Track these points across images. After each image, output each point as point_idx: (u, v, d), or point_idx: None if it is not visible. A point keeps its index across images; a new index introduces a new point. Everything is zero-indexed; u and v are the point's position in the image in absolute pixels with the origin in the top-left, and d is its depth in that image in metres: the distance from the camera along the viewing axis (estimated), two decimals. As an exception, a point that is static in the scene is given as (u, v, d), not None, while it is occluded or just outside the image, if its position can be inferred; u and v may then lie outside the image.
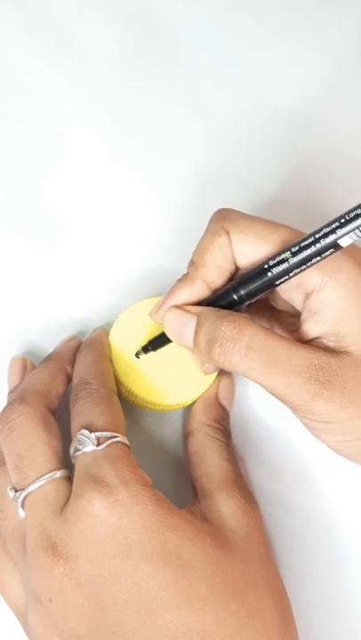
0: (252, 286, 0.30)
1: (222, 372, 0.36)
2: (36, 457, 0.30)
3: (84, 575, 0.27)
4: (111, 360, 0.35)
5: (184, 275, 0.32)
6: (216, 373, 0.35)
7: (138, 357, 0.35)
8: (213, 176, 0.43)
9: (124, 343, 0.35)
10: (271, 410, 0.38)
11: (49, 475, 0.30)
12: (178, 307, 0.32)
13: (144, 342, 0.35)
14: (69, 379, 0.35)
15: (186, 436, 0.36)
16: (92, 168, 0.42)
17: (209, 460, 0.34)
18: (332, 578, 0.35)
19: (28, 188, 0.41)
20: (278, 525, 0.35)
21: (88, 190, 0.42)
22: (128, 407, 0.36)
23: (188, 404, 0.36)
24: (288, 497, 0.36)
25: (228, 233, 0.31)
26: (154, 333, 0.35)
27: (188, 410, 0.37)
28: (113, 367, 0.35)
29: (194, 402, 0.36)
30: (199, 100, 0.44)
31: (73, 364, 0.35)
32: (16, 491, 0.30)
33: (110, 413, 0.31)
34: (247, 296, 0.30)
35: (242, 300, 0.31)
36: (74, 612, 0.28)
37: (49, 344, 0.38)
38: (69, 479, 0.30)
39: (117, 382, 0.35)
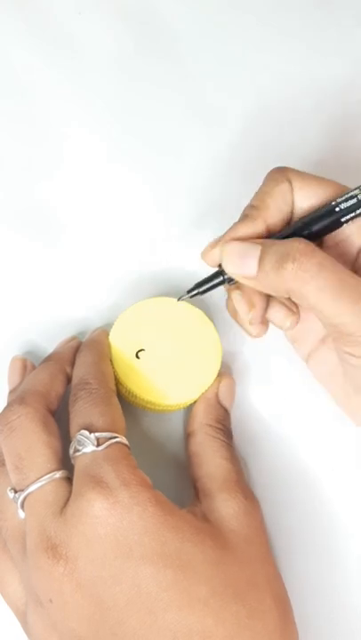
0: (323, 222, 0.31)
1: (223, 373, 0.36)
2: (35, 458, 0.30)
3: (84, 576, 0.27)
4: (111, 360, 0.35)
5: (243, 216, 0.33)
6: (217, 370, 0.35)
7: (180, 300, 0.35)
8: (214, 176, 0.43)
9: (125, 343, 0.35)
10: (271, 410, 0.38)
11: (48, 475, 0.30)
12: (238, 238, 0.33)
13: (192, 286, 0.34)
14: (69, 379, 0.35)
15: (187, 436, 0.36)
16: (93, 168, 0.42)
17: (210, 461, 0.34)
18: (332, 578, 0.35)
19: (28, 188, 0.41)
20: (278, 525, 0.35)
21: (88, 190, 0.42)
22: (128, 407, 0.36)
23: (189, 404, 0.36)
24: (288, 497, 0.36)
25: (290, 181, 0.33)
26: (155, 334, 0.35)
27: (188, 410, 0.37)
28: (113, 367, 0.34)
29: (194, 402, 0.36)
30: (199, 99, 0.44)
31: (73, 364, 0.35)
32: (16, 491, 0.30)
33: (110, 414, 0.31)
34: (317, 233, 0.31)
35: (311, 237, 0.31)
36: (74, 612, 0.28)
37: (49, 344, 0.38)
38: (69, 480, 0.30)
39: (117, 382, 0.35)
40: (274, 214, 0.33)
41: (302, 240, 0.30)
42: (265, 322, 0.34)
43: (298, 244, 0.30)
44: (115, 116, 0.43)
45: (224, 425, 0.35)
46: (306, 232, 0.32)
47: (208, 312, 0.36)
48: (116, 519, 0.28)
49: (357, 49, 0.46)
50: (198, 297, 0.35)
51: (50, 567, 0.28)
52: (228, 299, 0.34)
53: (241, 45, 0.46)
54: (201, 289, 0.34)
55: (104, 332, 0.36)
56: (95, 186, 0.42)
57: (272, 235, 0.33)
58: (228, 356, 0.38)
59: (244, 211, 0.33)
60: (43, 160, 0.42)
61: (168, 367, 0.35)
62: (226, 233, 0.33)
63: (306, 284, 0.30)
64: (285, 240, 0.31)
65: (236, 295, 0.34)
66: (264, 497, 0.34)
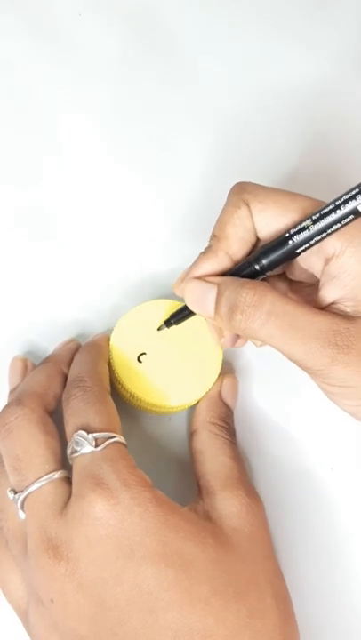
0: (275, 255, 0.30)
1: (226, 371, 0.36)
2: (33, 458, 0.30)
3: (85, 577, 0.28)
4: (113, 363, 0.35)
5: (206, 247, 0.33)
6: (218, 372, 0.35)
7: (159, 330, 0.35)
8: (215, 176, 0.43)
9: (126, 346, 0.35)
10: (274, 407, 0.38)
11: (47, 476, 0.30)
12: (198, 277, 0.32)
13: (165, 317, 0.35)
14: (67, 380, 0.35)
15: (190, 434, 0.36)
16: (94, 169, 0.42)
17: (213, 458, 0.34)
18: (332, 577, 0.35)
19: (29, 190, 0.41)
20: (279, 524, 0.35)
21: (89, 191, 0.42)
22: (129, 406, 0.36)
23: (191, 405, 0.36)
24: (290, 495, 0.36)
25: (247, 205, 0.31)
26: (155, 334, 0.35)
27: (191, 409, 0.37)
28: (115, 370, 0.35)
29: (197, 403, 0.36)
30: (199, 99, 0.44)
31: (70, 366, 0.35)
32: (15, 492, 0.30)
33: (106, 413, 0.31)
34: (269, 265, 0.31)
35: (263, 269, 0.31)
36: (75, 612, 0.28)
37: (49, 344, 0.38)
38: (68, 480, 0.30)
39: (120, 386, 0.35)
40: (234, 243, 0.32)
41: (249, 288, 0.30)
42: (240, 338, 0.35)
43: (244, 296, 0.30)
44: (115, 117, 0.43)
45: (227, 423, 0.35)
46: (263, 262, 0.31)
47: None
48: (117, 520, 0.28)
49: (358, 49, 0.46)
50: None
51: (51, 568, 0.28)
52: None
53: (242, 45, 0.46)
54: (175, 319, 0.35)
55: (105, 335, 0.36)
56: (96, 187, 0.42)
57: (237, 262, 0.32)
58: (230, 354, 0.38)
59: (209, 239, 0.33)
60: (44, 161, 0.42)
61: (170, 369, 0.35)
62: (190, 267, 0.33)
63: (256, 333, 0.30)
64: (238, 283, 0.31)
65: (207, 323, 0.35)
66: (266, 495, 0.34)
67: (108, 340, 0.35)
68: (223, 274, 0.32)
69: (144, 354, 0.35)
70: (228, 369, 0.38)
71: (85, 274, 0.40)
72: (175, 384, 0.35)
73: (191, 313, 0.34)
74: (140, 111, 0.44)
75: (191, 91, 0.44)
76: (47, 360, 0.36)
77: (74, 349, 0.36)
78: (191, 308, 0.33)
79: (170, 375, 0.35)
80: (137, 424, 0.37)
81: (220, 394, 0.36)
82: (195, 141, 0.43)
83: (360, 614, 0.35)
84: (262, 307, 0.29)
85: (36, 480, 0.30)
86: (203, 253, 0.33)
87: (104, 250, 0.40)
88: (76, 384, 0.32)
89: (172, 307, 0.36)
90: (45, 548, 0.28)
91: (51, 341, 0.38)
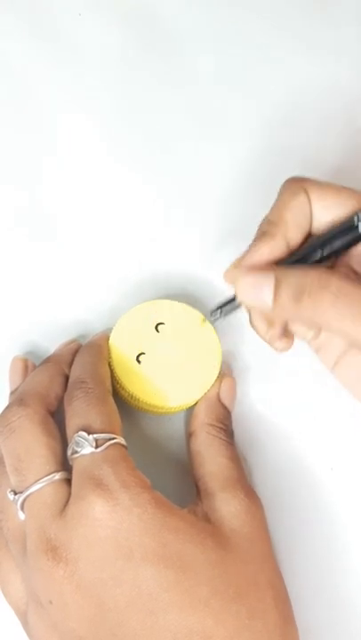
0: (344, 239, 0.30)
1: (224, 373, 0.36)
2: (34, 459, 0.30)
3: (84, 578, 0.28)
4: (112, 363, 0.35)
5: (260, 233, 0.32)
6: (217, 373, 0.35)
7: (210, 320, 0.35)
8: (215, 177, 0.43)
9: (125, 346, 0.35)
10: (272, 409, 0.38)
11: (48, 477, 0.30)
12: (252, 266, 0.32)
13: (214, 307, 0.34)
14: (68, 381, 0.35)
15: (188, 436, 0.36)
16: (94, 169, 0.42)
17: (212, 460, 0.34)
18: (332, 577, 0.35)
19: (29, 190, 0.41)
20: (278, 524, 0.35)
21: (89, 192, 0.42)
22: (128, 407, 0.36)
23: (190, 405, 0.36)
24: (288, 496, 0.36)
25: (307, 192, 0.31)
26: (155, 335, 0.35)
27: (190, 410, 0.37)
28: (115, 371, 0.34)
29: (195, 403, 0.36)
30: (199, 99, 0.44)
31: (71, 366, 0.35)
32: (15, 493, 0.30)
33: (107, 414, 0.31)
34: (336, 251, 0.31)
35: (329, 255, 0.31)
36: (74, 614, 0.28)
37: (50, 345, 0.38)
38: (69, 481, 0.30)
39: (119, 386, 0.35)
40: (293, 229, 0.31)
41: (315, 270, 0.30)
42: (289, 335, 0.34)
43: (311, 279, 0.29)
44: (115, 117, 0.43)
45: (225, 424, 0.35)
46: (327, 249, 0.31)
47: (207, 313, 0.36)
48: (116, 521, 0.28)
49: (358, 49, 0.46)
50: (197, 298, 0.35)
51: (50, 569, 0.28)
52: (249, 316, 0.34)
53: (242, 45, 0.46)
54: (223, 310, 0.34)
55: (104, 335, 0.36)
56: (96, 187, 0.42)
57: (292, 251, 0.32)
58: (228, 355, 0.38)
59: (261, 226, 0.32)
60: (45, 162, 0.42)
61: (169, 369, 0.35)
62: (246, 253, 0.32)
63: (324, 314, 0.29)
64: (300, 269, 0.30)
65: (254, 313, 0.34)
66: (266, 495, 0.34)
67: (108, 339, 0.35)
68: (279, 262, 0.32)
69: (143, 354, 0.35)
70: (226, 370, 0.38)
71: (85, 274, 0.40)
72: (174, 384, 0.34)
73: (239, 305, 0.33)
74: (140, 111, 0.44)
75: (191, 91, 0.44)
76: (48, 360, 0.36)
77: (74, 350, 0.36)
78: (244, 298, 0.32)
79: (169, 375, 0.35)
80: (136, 424, 0.37)
81: (218, 395, 0.36)
82: (195, 141, 0.43)
83: (360, 614, 0.35)
84: (330, 287, 0.29)
85: (37, 481, 0.30)
86: (258, 238, 0.32)
87: (104, 250, 0.40)
88: (77, 385, 0.32)
89: (172, 307, 0.36)
90: (44, 548, 0.28)
91: (51, 342, 0.38)
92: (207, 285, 0.39)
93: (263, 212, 0.39)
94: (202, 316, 0.35)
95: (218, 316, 0.35)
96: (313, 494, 0.36)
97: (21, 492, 0.30)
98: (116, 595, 0.27)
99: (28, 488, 0.30)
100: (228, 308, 0.34)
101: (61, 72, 0.44)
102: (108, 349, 0.35)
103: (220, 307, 0.34)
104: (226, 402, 0.36)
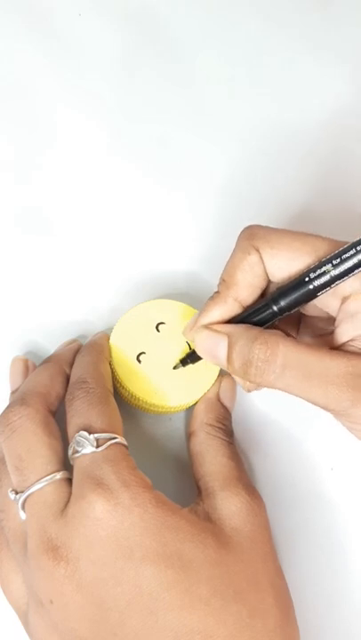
0: (293, 298, 0.30)
1: (223, 372, 0.36)
2: (35, 459, 0.30)
3: (85, 578, 0.28)
4: (113, 363, 0.35)
5: (215, 293, 0.33)
6: (217, 374, 0.35)
7: (175, 368, 0.35)
8: (215, 177, 0.43)
9: (125, 346, 0.35)
10: (272, 409, 0.38)
11: (49, 477, 0.30)
12: (208, 326, 0.32)
13: (181, 356, 0.35)
14: (69, 381, 0.35)
15: (188, 436, 0.36)
16: (94, 169, 0.42)
17: (212, 459, 0.34)
18: (332, 577, 0.35)
19: (31, 190, 0.41)
20: (279, 523, 0.35)
21: (90, 192, 0.42)
22: (128, 407, 0.36)
23: (191, 405, 0.36)
24: (289, 495, 0.36)
25: (258, 250, 0.31)
26: (155, 334, 0.35)
27: (190, 410, 0.37)
28: (115, 370, 0.35)
29: (196, 402, 0.36)
30: (199, 99, 0.44)
31: (72, 366, 0.35)
32: (16, 493, 0.30)
33: (108, 414, 0.31)
34: (288, 308, 0.31)
35: (282, 311, 0.31)
36: (75, 613, 0.28)
37: (50, 345, 0.38)
38: (70, 481, 0.30)
39: (119, 385, 0.35)
40: (244, 290, 0.32)
41: (261, 343, 0.30)
42: None
43: (257, 352, 0.30)
44: (115, 117, 0.43)
45: (225, 424, 0.35)
46: (281, 304, 0.31)
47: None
48: (116, 521, 0.28)
49: (358, 49, 0.46)
50: (197, 298, 0.35)
51: (51, 568, 0.28)
52: None
53: (242, 45, 0.46)
54: (191, 359, 0.35)
55: (105, 335, 0.36)
56: (97, 187, 0.42)
57: (247, 308, 0.32)
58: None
59: (218, 284, 0.33)
60: (46, 162, 0.42)
61: (169, 369, 0.35)
62: (199, 314, 0.33)
63: (273, 386, 0.30)
64: (249, 333, 0.30)
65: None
66: (267, 495, 0.34)
67: (108, 338, 0.35)
68: (233, 318, 0.32)
69: (143, 354, 0.35)
70: (225, 370, 0.38)
71: (86, 274, 0.40)
72: (174, 384, 0.35)
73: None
74: (141, 111, 0.44)
75: (191, 91, 0.44)
76: (49, 360, 0.36)
77: (75, 349, 0.36)
78: (203, 357, 0.33)
79: (169, 375, 0.35)
80: (137, 424, 0.37)
81: (218, 395, 0.36)
82: (195, 141, 0.43)
83: (360, 614, 0.35)
84: (276, 360, 0.29)
85: (38, 481, 0.30)
86: (211, 299, 0.32)
87: (104, 250, 0.41)
88: (78, 385, 0.32)
89: (172, 307, 0.36)
90: (45, 548, 0.28)
91: (51, 342, 0.38)
92: (207, 285, 0.39)
93: (263, 211, 0.39)
94: (175, 364, 0.35)
95: (188, 362, 0.35)
96: (313, 494, 0.36)
97: (22, 492, 0.30)
98: (116, 594, 0.27)
99: (29, 487, 0.30)
100: (195, 356, 0.34)
101: (61, 72, 0.44)
102: (109, 349, 0.35)
103: (189, 355, 0.35)
104: (226, 402, 0.36)
